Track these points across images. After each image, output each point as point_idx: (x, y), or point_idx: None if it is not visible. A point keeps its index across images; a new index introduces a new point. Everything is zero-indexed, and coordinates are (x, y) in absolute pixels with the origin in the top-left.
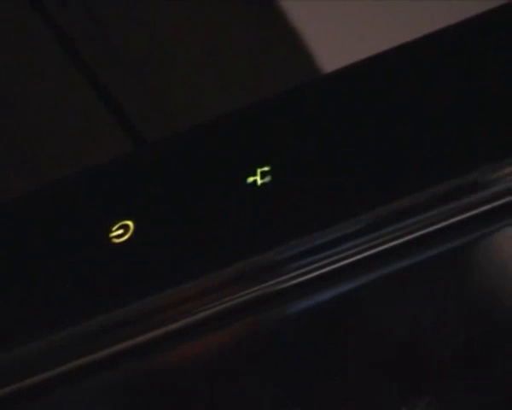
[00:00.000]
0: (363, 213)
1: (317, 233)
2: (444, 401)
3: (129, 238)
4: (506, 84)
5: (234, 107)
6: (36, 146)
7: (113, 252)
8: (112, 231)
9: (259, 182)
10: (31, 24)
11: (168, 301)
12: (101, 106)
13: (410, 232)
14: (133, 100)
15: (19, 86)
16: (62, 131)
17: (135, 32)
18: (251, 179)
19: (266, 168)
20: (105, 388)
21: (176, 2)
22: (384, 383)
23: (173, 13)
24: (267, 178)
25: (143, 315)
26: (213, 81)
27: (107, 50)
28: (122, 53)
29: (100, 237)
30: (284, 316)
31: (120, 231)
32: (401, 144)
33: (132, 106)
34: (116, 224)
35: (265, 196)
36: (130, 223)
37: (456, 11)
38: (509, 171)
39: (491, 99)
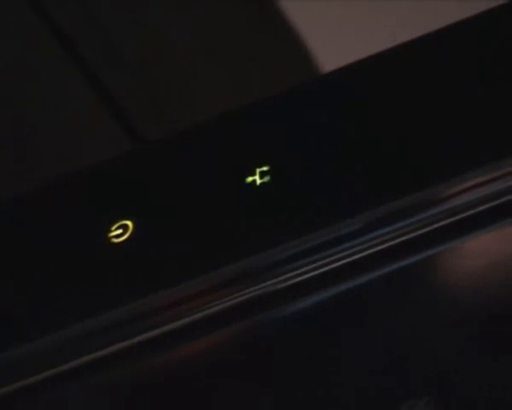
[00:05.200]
0: (362, 212)
1: (317, 233)
2: (443, 400)
3: (128, 238)
4: (506, 83)
5: (233, 106)
6: (35, 145)
7: (112, 252)
8: (111, 231)
9: (258, 182)
10: (30, 24)
11: (167, 301)
12: (101, 106)
13: (410, 232)
14: (133, 100)
15: (18, 86)
16: (61, 131)
17: (135, 31)
18: (250, 179)
19: (265, 168)
20: (103, 387)
21: (176, 2)
22: (383, 382)
23: (173, 13)
24: (266, 178)
25: (142, 315)
26: (213, 81)
27: (108, 50)
28: (122, 53)
29: (99, 236)
30: (283, 316)
31: (119, 231)
32: (401, 143)
33: (132, 106)
34: (115, 223)
35: (264, 196)
36: (129, 223)
37: (456, 11)
38: (508, 170)
39: (491, 99)
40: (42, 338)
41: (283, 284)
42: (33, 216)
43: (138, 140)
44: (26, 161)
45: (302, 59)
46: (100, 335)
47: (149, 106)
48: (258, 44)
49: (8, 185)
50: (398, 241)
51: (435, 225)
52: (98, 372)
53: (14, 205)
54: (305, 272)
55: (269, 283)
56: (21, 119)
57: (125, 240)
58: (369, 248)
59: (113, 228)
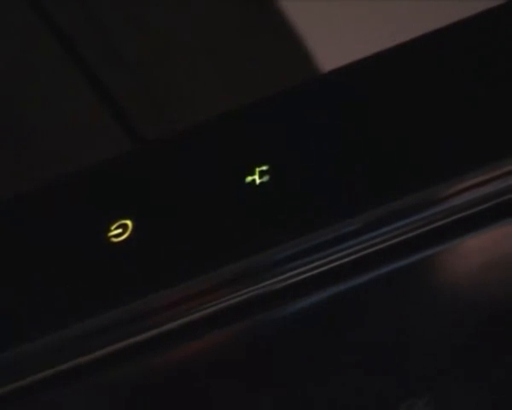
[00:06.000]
0: (362, 212)
1: (316, 233)
2: (442, 400)
3: (127, 237)
4: (506, 83)
5: (233, 106)
6: (35, 145)
7: (111, 251)
8: (110, 231)
9: (258, 181)
10: (30, 24)
11: (167, 301)
12: (101, 106)
13: (410, 232)
14: (133, 100)
15: (18, 86)
16: (61, 131)
17: (135, 31)
18: (249, 179)
19: (265, 168)
20: (103, 387)
21: (176, 2)
22: (383, 382)
23: (173, 13)
24: (265, 178)
25: (142, 315)
26: (213, 81)
27: (108, 50)
28: (122, 53)
29: (98, 236)
30: (283, 316)
31: (119, 231)
32: (401, 143)
33: (132, 106)
34: (114, 223)
35: (264, 196)
36: (128, 222)
37: (456, 11)
38: (508, 169)
39: (491, 99)
40: (42, 338)
41: (283, 284)
42: (33, 216)
43: (138, 140)
44: (26, 161)
45: (302, 59)
46: (100, 335)
47: (149, 106)
48: (258, 44)
49: (8, 185)
50: (397, 240)
51: (435, 225)
52: (98, 372)
53: (14, 205)
54: (305, 272)
55: (269, 283)
56: (21, 119)
57: (125, 239)
58: (369, 247)
59: (113, 228)
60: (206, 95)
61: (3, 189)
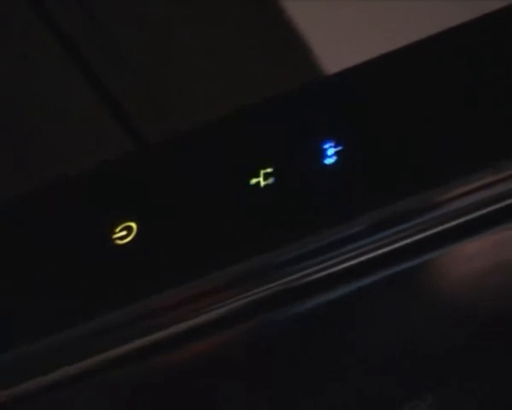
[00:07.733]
0: (365, 214)
1: (320, 235)
2: (445, 401)
3: (132, 240)
4: (506, 84)
5: (235, 107)
6: (36, 147)
7: (116, 253)
8: (115, 233)
9: (262, 183)
10: (31, 24)
11: (171, 302)
12: (101, 106)
13: (412, 235)
14: (133, 100)
15: (19, 86)
16: (62, 132)
17: (135, 32)
18: (254, 181)
19: (269, 170)
20: (106, 388)
21: (176, 2)
22: (385, 383)
23: (173, 13)
24: (270, 180)
25: (146, 316)
26: (213, 81)
27: (108, 51)
28: (122, 53)
29: (103, 238)
30: (285, 317)
31: (123, 233)
32: (402, 145)
33: (133, 106)
34: (119, 225)
35: (268, 198)
36: (133, 224)
37: (458, 13)
38: (509, 173)
39: (493, 100)
40: (44, 339)
41: (286, 286)
42: (39, 217)
43: (138, 140)
44: (26, 161)
45: (302, 59)
46: (104, 336)
47: (149, 106)
48: (259, 44)
49: (8, 185)
50: (398, 244)
51: (436, 228)
52: (101, 373)
53: (14, 205)
54: (309, 274)
55: (272, 285)
56: (21, 119)
57: (129, 242)
58: (372, 250)
59: (117, 230)
60: (206, 95)
61: (4, 189)
